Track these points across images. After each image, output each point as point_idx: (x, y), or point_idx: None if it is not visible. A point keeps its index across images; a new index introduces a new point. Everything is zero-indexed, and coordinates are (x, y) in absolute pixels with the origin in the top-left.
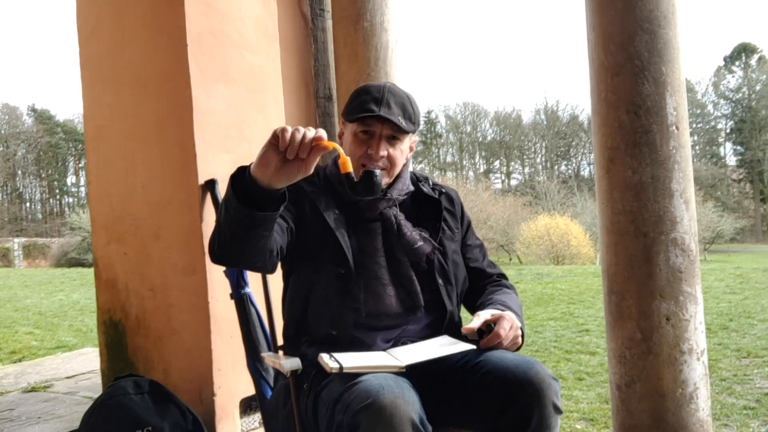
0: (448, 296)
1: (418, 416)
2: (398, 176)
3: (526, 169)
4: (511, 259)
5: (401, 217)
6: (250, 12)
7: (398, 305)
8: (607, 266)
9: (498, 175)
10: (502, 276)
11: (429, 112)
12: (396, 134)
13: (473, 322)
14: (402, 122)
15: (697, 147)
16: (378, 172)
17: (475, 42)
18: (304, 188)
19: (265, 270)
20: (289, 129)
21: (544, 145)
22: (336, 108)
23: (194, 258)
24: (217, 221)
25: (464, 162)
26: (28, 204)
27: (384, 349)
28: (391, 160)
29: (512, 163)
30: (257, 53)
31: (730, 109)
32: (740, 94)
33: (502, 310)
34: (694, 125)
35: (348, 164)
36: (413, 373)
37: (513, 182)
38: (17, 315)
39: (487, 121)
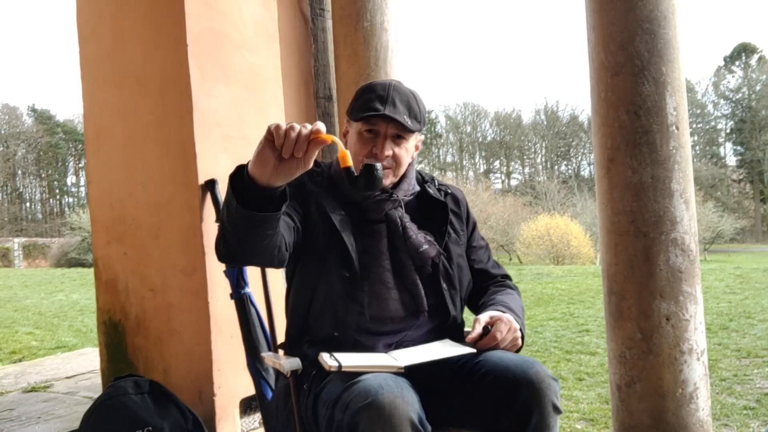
0: (451, 301)
1: (417, 416)
2: (404, 176)
3: (526, 169)
4: (511, 259)
5: (406, 219)
6: (250, 12)
7: (402, 309)
8: (607, 266)
9: (498, 175)
10: (506, 277)
11: (429, 112)
12: (401, 133)
13: (473, 328)
14: (407, 121)
15: (697, 147)
16: (379, 165)
17: (475, 42)
18: (310, 188)
19: (273, 266)
20: (283, 126)
21: (544, 145)
22: (336, 108)
23: (194, 258)
24: (221, 221)
25: (464, 162)
26: (28, 204)
27: (385, 352)
28: (396, 159)
29: (512, 163)
30: (257, 53)
31: (730, 109)
32: (740, 94)
33: (502, 311)
34: (694, 125)
35: (347, 158)
36: (413, 373)
37: (513, 182)
38: (17, 315)
39: (487, 121)
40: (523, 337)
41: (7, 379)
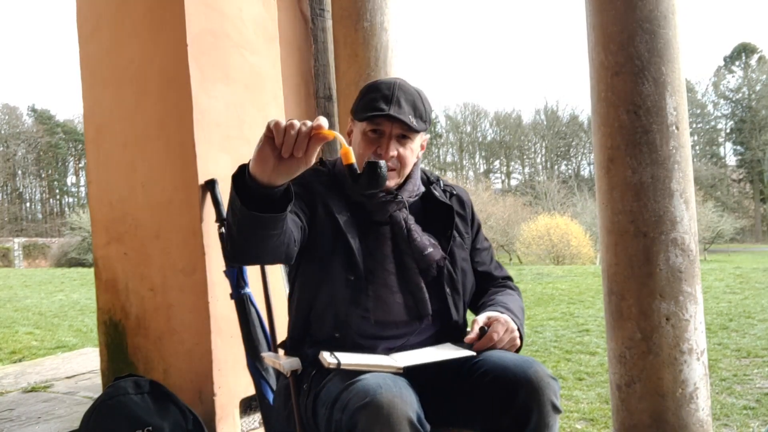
0: (454, 306)
1: (416, 415)
2: (409, 177)
3: (526, 169)
4: (511, 259)
5: (411, 221)
6: (250, 12)
7: (405, 313)
8: (607, 266)
9: (498, 175)
10: (508, 278)
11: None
12: (406, 133)
13: (471, 329)
14: (413, 121)
15: (697, 147)
16: (383, 163)
17: (475, 42)
18: (317, 188)
19: (281, 262)
20: (283, 123)
21: (544, 145)
22: (336, 108)
23: (194, 258)
24: (227, 221)
25: (464, 162)
26: (28, 204)
27: (385, 355)
28: (401, 160)
29: (512, 163)
30: (257, 53)
31: (730, 109)
32: (740, 94)
33: (500, 312)
34: (694, 125)
35: (350, 155)
36: (412, 372)
37: (513, 182)
38: (17, 315)
39: (487, 121)
40: (521, 338)
41: (7, 379)
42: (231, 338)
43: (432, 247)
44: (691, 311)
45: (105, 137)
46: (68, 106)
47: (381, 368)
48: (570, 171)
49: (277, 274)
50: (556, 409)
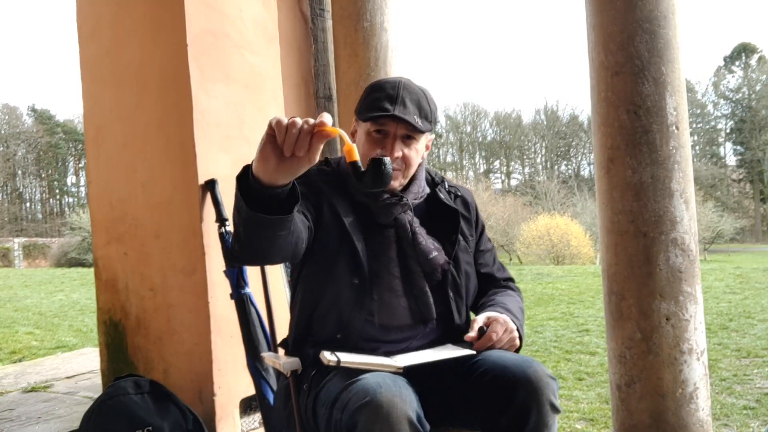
0: (457, 310)
1: (416, 414)
2: (413, 178)
3: (526, 169)
4: (511, 259)
5: (416, 223)
6: (250, 12)
7: (410, 317)
8: (607, 266)
9: (498, 175)
10: (510, 279)
11: None
12: (411, 134)
13: (470, 329)
14: (418, 122)
15: (697, 147)
16: (387, 160)
17: (475, 42)
18: (322, 188)
19: (290, 260)
20: (284, 121)
21: (544, 145)
22: (336, 108)
23: (194, 258)
24: (233, 222)
25: (464, 162)
26: (28, 204)
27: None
28: (406, 161)
29: (512, 163)
30: (257, 53)
31: (730, 109)
32: (740, 94)
33: (500, 312)
34: (694, 125)
35: (354, 152)
36: (411, 372)
37: (513, 182)
38: (17, 315)
39: (487, 121)
40: (521, 338)
41: (7, 379)
42: (231, 338)
43: (436, 251)
44: (691, 311)
45: (105, 137)
46: (68, 106)
47: (381, 367)
48: (570, 171)
49: (277, 274)
50: (555, 409)
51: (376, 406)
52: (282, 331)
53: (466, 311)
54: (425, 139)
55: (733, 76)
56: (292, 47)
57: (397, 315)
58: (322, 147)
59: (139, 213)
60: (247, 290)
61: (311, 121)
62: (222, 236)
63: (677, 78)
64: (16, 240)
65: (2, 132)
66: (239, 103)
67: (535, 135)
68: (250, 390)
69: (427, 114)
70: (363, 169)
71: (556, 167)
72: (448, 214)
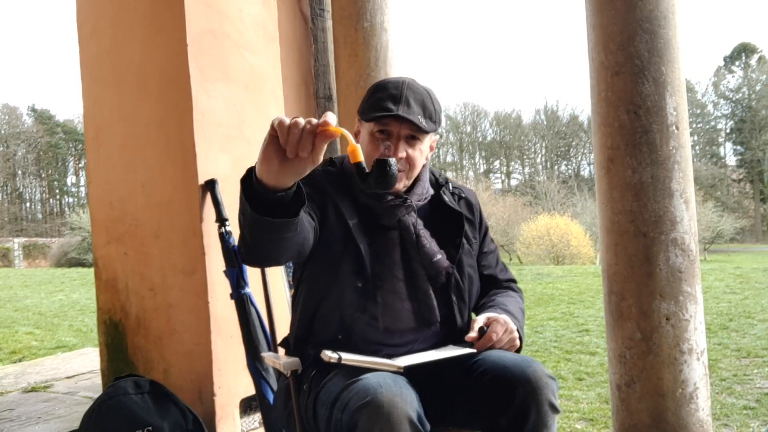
0: (460, 314)
1: (416, 414)
2: (417, 179)
3: (526, 169)
4: (511, 259)
5: (420, 226)
6: (250, 12)
7: (413, 320)
8: (607, 266)
9: (498, 175)
10: (513, 280)
11: None
12: (415, 134)
13: (471, 329)
14: (422, 122)
15: (697, 147)
16: (392, 161)
17: (475, 42)
18: (327, 189)
19: (297, 260)
20: (287, 121)
21: (544, 145)
22: (336, 108)
23: (194, 258)
24: (239, 226)
25: (464, 162)
26: (28, 204)
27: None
28: (410, 161)
29: (512, 163)
30: (257, 53)
31: (730, 109)
32: (740, 94)
33: (500, 313)
34: (694, 125)
35: (358, 153)
36: (412, 372)
37: (513, 182)
38: (17, 315)
39: (487, 121)
40: (521, 339)
41: (7, 379)
42: (231, 338)
43: (440, 254)
44: (691, 311)
45: (105, 137)
46: (68, 106)
47: (381, 366)
48: (570, 171)
49: (277, 274)
50: (554, 409)
51: (377, 406)
52: (282, 331)
53: (468, 314)
54: (429, 140)
55: (733, 76)
56: (292, 47)
57: (401, 318)
58: (325, 147)
59: (139, 213)
60: (247, 290)
61: (314, 121)
62: (222, 236)
63: (677, 78)
64: (16, 240)
65: (2, 132)
66: (239, 103)
67: (535, 135)
68: (250, 390)
69: (432, 114)
70: (367, 170)
71: (556, 167)
72: (452, 217)
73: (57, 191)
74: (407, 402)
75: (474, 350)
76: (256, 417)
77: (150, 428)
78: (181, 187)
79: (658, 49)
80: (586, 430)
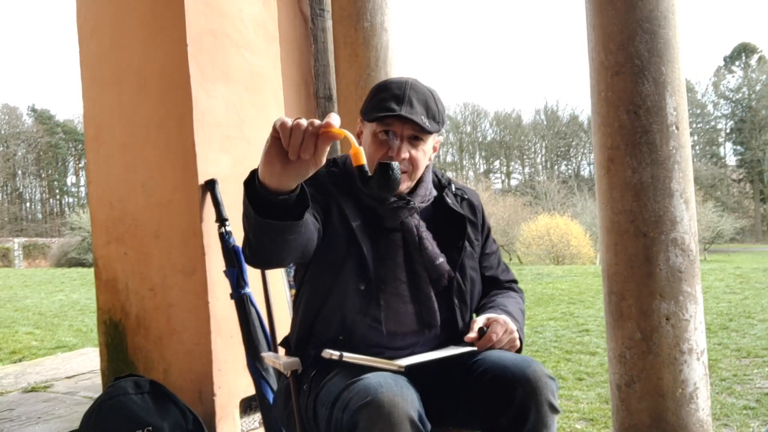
0: (461, 316)
1: (417, 414)
2: (420, 180)
3: (526, 169)
4: (511, 259)
5: (423, 228)
6: (250, 12)
7: (416, 323)
8: (607, 266)
9: (498, 175)
10: (514, 281)
11: None
12: (419, 135)
13: (471, 330)
14: (425, 122)
15: (697, 147)
16: (395, 165)
17: (475, 42)
18: (331, 190)
19: (302, 261)
20: (289, 122)
21: (544, 145)
22: (336, 108)
23: (194, 258)
24: (243, 229)
25: (464, 162)
26: (28, 204)
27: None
28: (413, 162)
29: (512, 163)
30: (257, 53)
31: (730, 109)
32: (740, 94)
33: (499, 314)
34: (694, 125)
35: (360, 155)
36: (412, 372)
37: (513, 182)
38: (17, 315)
39: (487, 121)
40: (521, 340)
41: (7, 379)
42: (231, 338)
43: (442, 256)
44: (691, 311)
45: (105, 137)
46: (68, 106)
47: (382, 364)
48: (570, 171)
49: (277, 274)
50: (554, 409)
51: (378, 406)
52: (282, 331)
53: (470, 317)
54: (433, 140)
55: (733, 76)
56: (292, 47)
57: (404, 321)
58: (328, 149)
59: (139, 213)
60: (247, 290)
61: (316, 122)
62: (222, 236)
63: (677, 78)
64: (16, 240)
65: (2, 132)
66: (239, 103)
67: (535, 135)
68: (250, 390)
69: (435, 114)
70: (370, 174)
71: (556, 167)
72: (455, 219)
73: (57, 191)
74: (408, 402)
75: (474, 348)
76: (256, 417)
77: (150, 428)
78: (181, 187)
79: (658, 49)
80: (586, 430)
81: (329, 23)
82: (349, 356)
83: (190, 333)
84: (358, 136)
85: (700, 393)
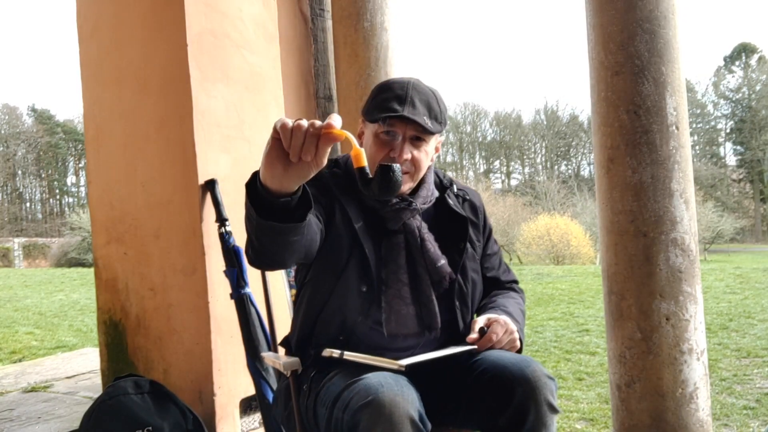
0: (462, 318)
1: (418, 413)
2: (422, 181)
3: (526, 169)
4: (511, 259)
5: (425, 229)
6: (250, 12)
7: (417, 324)
8: (607, 266)
9: (498, 175)
10: (515, 282)
11: None
12: (421, 135)
13: (471, 330)
14: (428, 123)
15: (697, 147)
16: (397, 167)
17: (475, 42)
18: (333, 191)
19: (304, 261)
20: (289, 124)
21: (544, 145)
22: (336, 108)
23: (194, 258)
24: (246, 230)
25: (464, 162)
26: (28, 204)
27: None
28: (415, 163)
29: (512, 163)
30: (257, 53)
31: (730, 109)
32: (740, 94)
33: (499, 314)
34: (694, 125)
35: (362, 157)
36: (413, 371)
37: (513, 182)
38: (17, 315)
39: (487, 121)
40: (521, 341)
41: (7, 379)
42: (231, 338)
43: (443, 258)
44: (691, 311)
45: (105, 137)
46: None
47: (383, 363)
48: (570, 171)
49: (278, 274)
50: (553, 409)
51: (379, 405)
52: (282, 331)
53: (470, 319)
54: (435, 141)
55: (733, 76)
56: (292, 47)
57: (405, 323)
58: (329, 150)
59: (139, 213)
60: (247, 290)
61: (317, 123)
62: (222, 236)
63: (677, 78)
64: (16, 240)
65: (2, 132)
66: (239, 103)
67: (535, 135)
68: (250, 390)
69: (437, 115)
70: (371, 176)
71: (556, 167)
72: (457, 220)
73: (57, 191)
74: (409, 401)
75: (475, 346)
76: (256, 417)
77: (150, 428)
78: (181, 187)
79: (658, 49)
80: (586, 430)
81: (329, 23)
82: (350, 355)
83: (190, 333)
84: (360, 136)
85: (700, 393)
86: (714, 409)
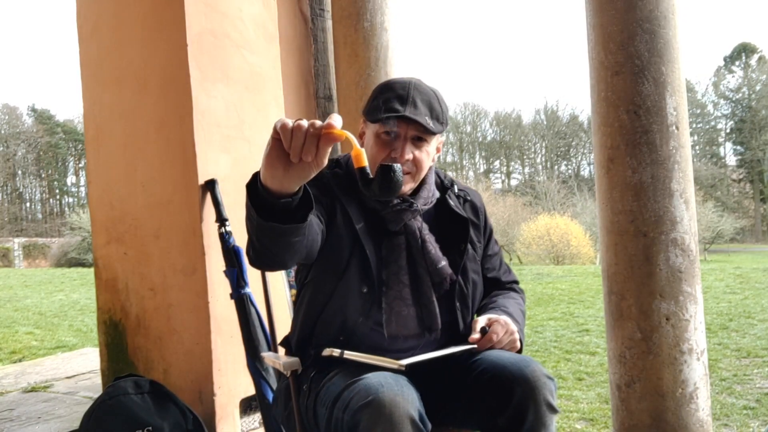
0: (462, 320)
1: (418, 413)
2: (423, 182)
3: (526, 169)
4: (511, 259)
5: (425, 230)
6: (250, 12)
7: (417, 326)
8: (607, 266)
9: (498, 175)
10: (515, 282)
11: None
12: (422, 135)
13: (472, 330)
14: (429, 123)
15: (697, 147)
16: (397, 167)
17: (475, 42)
18: (335, 191)
19: (306, 262)
20: (289, 124)
21: (544, 145)
22: (336, 108)
23: (194, 258)
24: (247, 231)
25: (464, 162)
26: (28, 204)
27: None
28: (416, 163)
29: (512, 163)
30: (257, 53)
31: (730, 109)
32: (740, 94)
33: (500, 314)
34: (694, 125)
35: (362, 157)
36: (413, 371)
37: (513, 182)
38: (17, 315)
39: (487, 121)
40: (521, 341)
41: (7, 379)
42: (231, 338)
43: (444, 260)
44: (691, 311)
45: (105, 137)
46: (68, 106)
47: (383, 362)
48: (570, 171)
49: (277, 274)
50: (552, 409)
51: (379, 405)
52: (282, 331)
53: (471, 320)
54: (436, 141)
55: (733, 76)
56: (292, 47)
57: (406, 325)
58: (330, 150)
59: (139, 213)
60: (247, 290)
61: (318, 123)
62: (222, 236)
63: (677, 78)
64: (16, 240)
65: (2, 132)
66: (239, 103)
67: (535, 135)
68: (250, 390)
69: (439, 115)
70: (371, 176)
71: (556, 167)
72: (458, 221)
73: (57, 191)
74: (409, 401)
75: (475, 345)
76: (256, 417)
77: (150, 428)
78: (181, 187)
79: (658, 49)
80: (586, 430)
81: (329, 23)
82: (350, 354)
83: (190, 333)
84: (361, 136)
85: (700, 393)
86: (714, 409)
